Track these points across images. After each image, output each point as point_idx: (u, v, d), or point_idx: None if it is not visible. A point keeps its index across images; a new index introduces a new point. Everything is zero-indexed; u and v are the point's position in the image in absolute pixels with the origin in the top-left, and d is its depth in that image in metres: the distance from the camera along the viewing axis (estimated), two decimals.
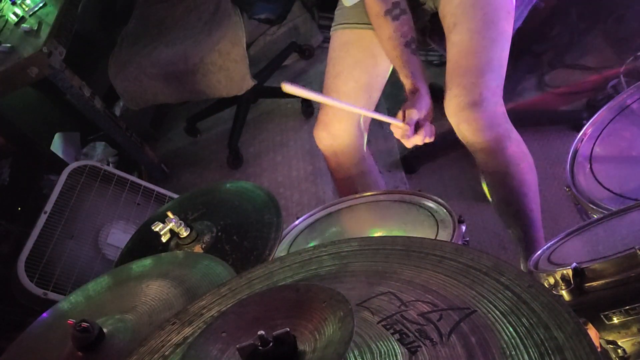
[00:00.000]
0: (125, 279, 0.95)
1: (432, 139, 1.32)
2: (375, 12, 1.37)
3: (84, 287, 0.98)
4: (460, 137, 1.33)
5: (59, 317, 0.92)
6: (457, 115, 1.28)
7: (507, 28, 1.32)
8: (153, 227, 1.14)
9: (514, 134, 1.35)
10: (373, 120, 1.53)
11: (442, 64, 2.41)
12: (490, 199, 1.49)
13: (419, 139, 1.28)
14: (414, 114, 1.27)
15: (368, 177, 1.57)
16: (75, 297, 0.96)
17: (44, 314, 0.95)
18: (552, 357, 0.47)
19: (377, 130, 2.34)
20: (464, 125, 1.29)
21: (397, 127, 1.28)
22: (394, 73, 1.54)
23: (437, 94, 2.44)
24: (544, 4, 1.96)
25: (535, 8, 1.60)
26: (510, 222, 1.48)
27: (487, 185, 1.46)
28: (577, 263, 0.78)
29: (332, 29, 1.55)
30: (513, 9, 1.35)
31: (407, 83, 1.36)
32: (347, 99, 1.44)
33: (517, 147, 1.36)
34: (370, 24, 1.43)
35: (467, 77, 1.27)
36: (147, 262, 0.98)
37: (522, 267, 1.54)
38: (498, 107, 1.29)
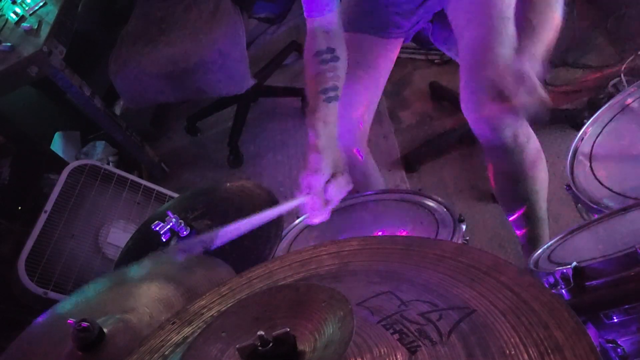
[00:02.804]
0: (124, 283, 0.95)
1: (349, 188, 1.18)
2: (308, 49, 1.32)
3: (83, 288, 0.98)
4: (477, 134, 1.31)
5: (59, 318, 0.93)
6: (477, 112, 1.26)
7: None
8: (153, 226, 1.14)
9: (530, 130, 1.33)
10: (374, 119, 1.52)
11: (444, 62, 2.43)
12: (497, 195, 1.49)
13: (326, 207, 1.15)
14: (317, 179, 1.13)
15: (369, 178, 1.56)
16: (75, 298, 0.96)
17: (43, 315, 0.95)
18: (552, 357, 0.47)
19: (377, 129, 2.34)
20: (483, 122, 1.27)
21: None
22: (393, 72, 1.53)
23: (439, 93, 2.44)
24: None
25: None
26: (518, 220, 1.47)
27: (497, 182, 1.45)
28: (577, 262, 0.78)
29: None
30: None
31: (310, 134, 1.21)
32: (350, 99, 1.42)
33: (533, 144, 1.34)
34: (369, 31, 1.42)
35: (486, 73, 1.26)
36: (146, 264, 0.98)
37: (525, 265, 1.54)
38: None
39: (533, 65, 1.16)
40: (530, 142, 1.33)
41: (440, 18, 1.43)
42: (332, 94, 1.25)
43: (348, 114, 1.44)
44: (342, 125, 1.44)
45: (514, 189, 1.41)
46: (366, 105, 1.47)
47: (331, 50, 1.29)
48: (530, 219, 1.44)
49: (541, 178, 1.39)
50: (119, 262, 1.31)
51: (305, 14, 1.30)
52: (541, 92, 1.12)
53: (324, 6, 1.27)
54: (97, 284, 0.97)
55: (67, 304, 0.95)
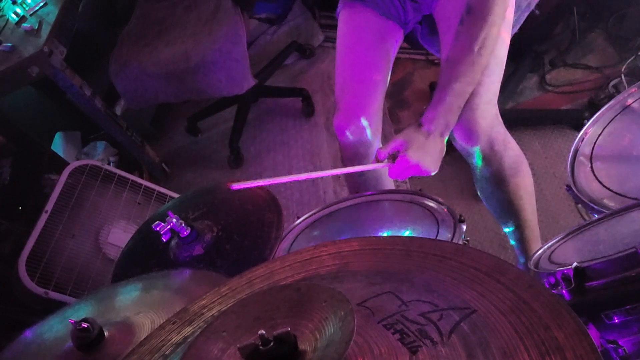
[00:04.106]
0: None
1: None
2: None
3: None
4: (452, 142, 1.31)
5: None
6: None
7: (504, 34, 1.30)
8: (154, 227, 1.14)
9: (509, 137, 1.34)
10: None
11: None
12: (483, 201, 1.49)
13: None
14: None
15: (380, 176, 1.55)
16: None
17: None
18: (553, 357, 0.47)
19: None
20: (458, 127, 1.26)
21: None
22: (393, 72, 1.52)
23: None
24: (539, 12, 1.97)
25: (533, 13, 1.60)
26: (507, 224, 1.48)
27: (481, 189, 1.45)
28: (577, 262, 0.78)
29: (338, 9, 1.46)
30: (511, 18, 1.33)
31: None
32: (367, 86, 1.38)
33: (512, 151, 1.35)
34: (379, 10, 1.40)
35: None
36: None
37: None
38: (493, 109, 1.28)
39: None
40: (509, 149, 1.33)
41: (429, 21, 1.42)
42: None
43: (369, 108, 1.40)
44: (365, 118, 1.40)
45: (497, 195, 1.41)
46: (382, 94, 1.43)
47: None
48: (518, 224, 1.45)
49: (525, 184, 1.39)
50: (119, 262, 1.31)
51: None
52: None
53: None
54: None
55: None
